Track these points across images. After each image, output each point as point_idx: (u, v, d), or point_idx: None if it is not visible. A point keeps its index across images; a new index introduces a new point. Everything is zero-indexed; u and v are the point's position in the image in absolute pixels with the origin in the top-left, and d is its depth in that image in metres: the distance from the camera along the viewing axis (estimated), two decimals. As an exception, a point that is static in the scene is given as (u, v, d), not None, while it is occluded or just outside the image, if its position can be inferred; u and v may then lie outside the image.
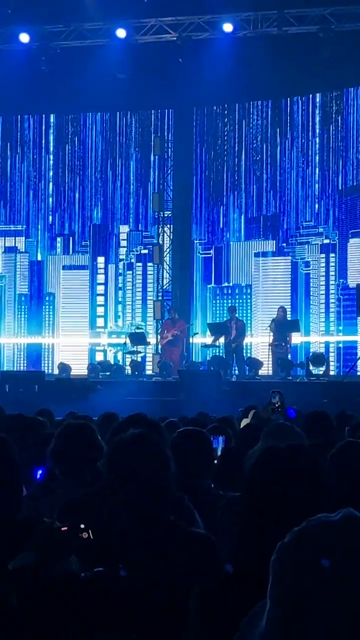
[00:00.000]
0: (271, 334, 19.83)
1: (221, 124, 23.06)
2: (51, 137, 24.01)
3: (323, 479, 2.46)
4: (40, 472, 5.19)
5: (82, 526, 2.84)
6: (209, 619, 2.49)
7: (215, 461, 5.49)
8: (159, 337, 21.78)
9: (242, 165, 22.81)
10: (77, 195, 23.82)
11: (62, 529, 2.85)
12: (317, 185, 22.08)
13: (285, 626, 1.21)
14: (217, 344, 20.47)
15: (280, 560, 1.26)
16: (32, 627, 2.70)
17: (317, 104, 22.17)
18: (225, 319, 21.30)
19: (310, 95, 22.18)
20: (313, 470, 2.46)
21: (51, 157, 24.01)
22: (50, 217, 23.90)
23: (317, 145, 22.14)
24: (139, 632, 2.76)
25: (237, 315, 20.76)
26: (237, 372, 20.13)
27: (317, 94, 22.09)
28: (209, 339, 21.18)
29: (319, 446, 5.09)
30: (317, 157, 22.14)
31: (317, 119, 22.14)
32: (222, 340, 20.37)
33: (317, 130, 22.15)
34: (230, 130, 22.96)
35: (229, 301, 22.27)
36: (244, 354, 20.61)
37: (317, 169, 22.12)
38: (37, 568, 2.72)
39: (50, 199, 23.95)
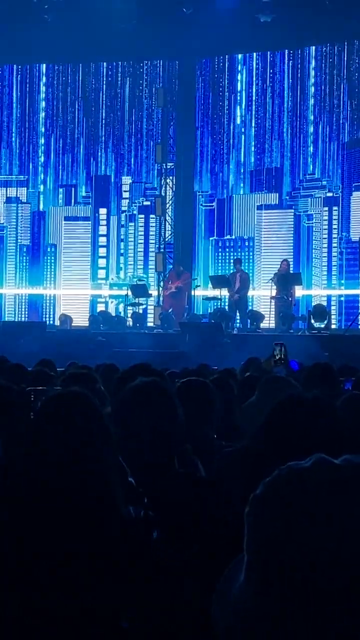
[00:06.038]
0: (274, 287, 19.77)
1: (225, 75, 22.82)
2: (54, 87, 23.76)
3: (344, 434, 2.43)
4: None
5: None
6: (213, 568, 2.48)
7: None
8: (162, 288, 21.74)
9: (246, 118, 22.61)
10: (79, 146, 23.64)
11: None
12: (321, 138, 21.90)
13: (262, 575, 1.22)
14: (220, 296, 20.41)
15: (254, 512, 1.27)
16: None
17: (324, 55, 21.90)
18: (229, 271, 21.23)
19: (316, 46, 21.91)
20: (335, 422, 2.43)
21: (54, 107, 23.78)
22: (53, 168, 23.75)
23: (322, 97, 21.91)
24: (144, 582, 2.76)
25: (242, 267, 20.73)
26: (239, 324, 20.11)
27: (324, 45, 21.81)
28: (210, 292, 21.13)
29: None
30: (321, 110, 21.92)
31: (323, 70, 21.88)
32: (225, 292, 20.34)
33: (322, 82, 21.90)
34: (234, 81, 22.72)
35: (231, 254, 22.19)
36: (247, 307, 20.59)
37: (321, 122, 21.91)
38: None
39: (53, 150, 23.78)
